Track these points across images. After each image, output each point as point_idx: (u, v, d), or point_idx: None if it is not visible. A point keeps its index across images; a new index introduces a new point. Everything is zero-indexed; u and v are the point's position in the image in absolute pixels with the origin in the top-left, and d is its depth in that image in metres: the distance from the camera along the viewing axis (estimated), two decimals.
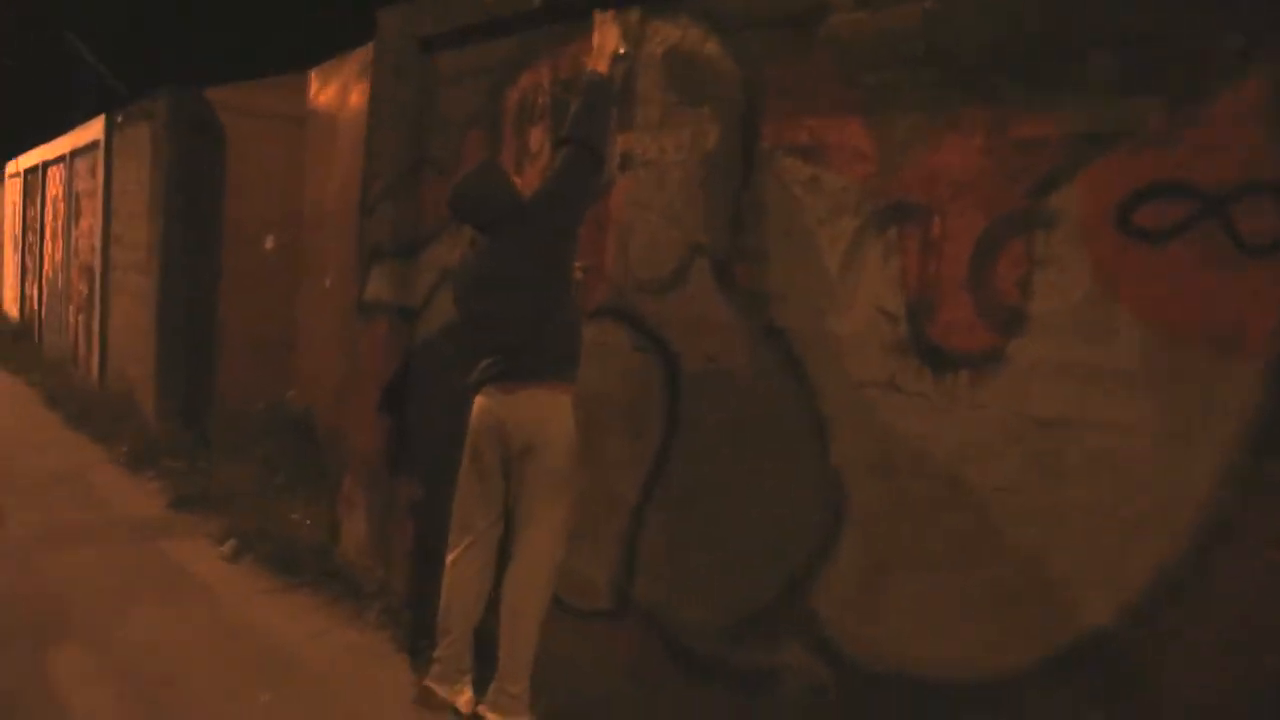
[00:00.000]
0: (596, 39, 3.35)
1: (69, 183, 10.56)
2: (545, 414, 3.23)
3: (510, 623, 3.28)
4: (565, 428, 3.25)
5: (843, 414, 2.80)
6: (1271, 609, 2.05)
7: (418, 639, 4.02)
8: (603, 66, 3.31)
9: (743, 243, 3.08)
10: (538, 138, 3.85)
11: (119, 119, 8.62)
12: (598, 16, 3.37)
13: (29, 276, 13.20)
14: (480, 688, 3.41)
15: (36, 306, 12.49)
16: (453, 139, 4.25)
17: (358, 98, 5.58)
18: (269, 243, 6.75)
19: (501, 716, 3.25)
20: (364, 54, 5.47)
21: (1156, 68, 2.24)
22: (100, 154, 9.09)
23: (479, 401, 3.35)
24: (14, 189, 14.37)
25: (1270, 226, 2.08)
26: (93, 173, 9.56)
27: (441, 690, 3.40)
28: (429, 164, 4.39)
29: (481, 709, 3.31)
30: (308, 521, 5.27)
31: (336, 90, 5.93)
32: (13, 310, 14.55)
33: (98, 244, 9.19)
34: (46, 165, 11.87)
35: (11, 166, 14.59)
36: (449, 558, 3.46)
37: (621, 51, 3.35)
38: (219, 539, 5.37)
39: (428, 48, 4.39)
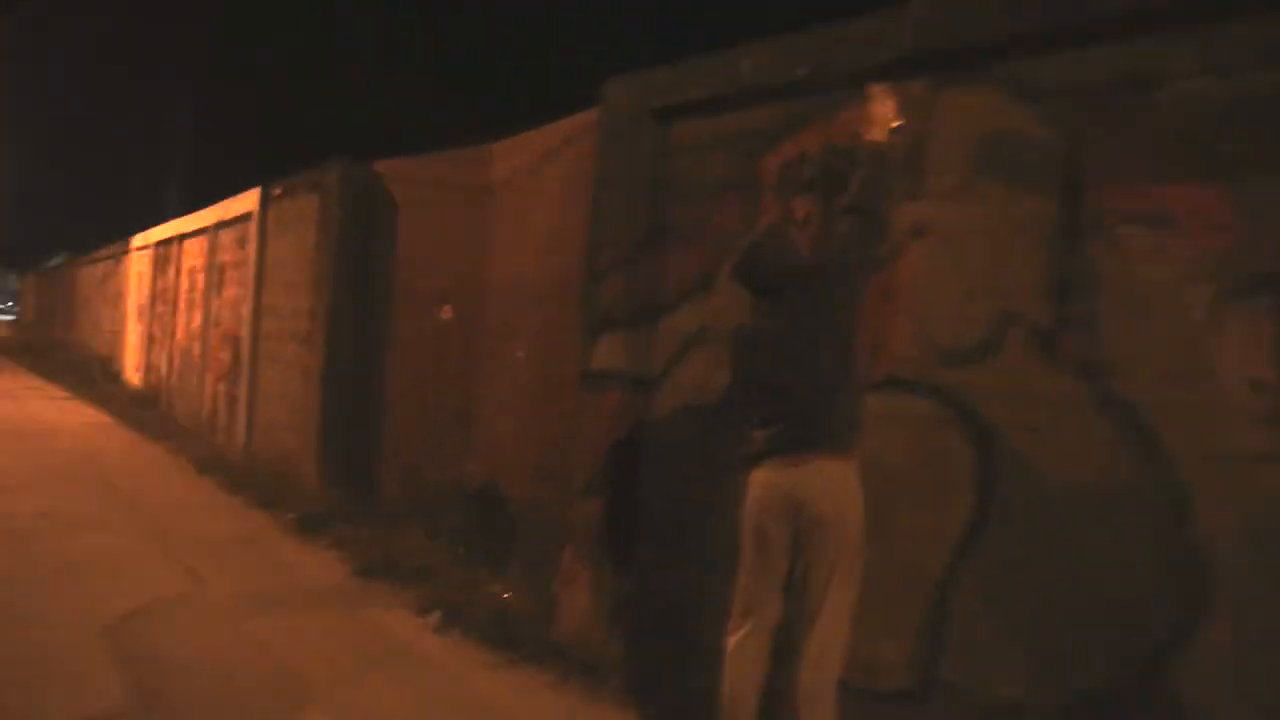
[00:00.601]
0: (874, 110, 3.35)
1: (211, 254, 10.88)
2: (840, 486, 3.17)
3: (810, 708, 3.17)
4: (859, 499, 3.19)
5: (1206, 485, 2.71)
6: None
7: None
8: (880, 136, 3.30)
9: (1069, 312, 3.02)
10: (803, 205, 3.85)
11: (276, 191, 8.89)
12: (872, 90, 3.37)
13: (156, 345, 13.56)
14: None
15: (165, 375, 12.80)
16: (699, 206, 4.29)
17: (556, 169, 5.68)
18: (446, 312, 6.84)
19: None
20: (566, 126, 5.58)
21: None
22: (253, 226, 9.36)
23: (762, 476, 3.27)
24: (142, 261, 14.86)
25: None
26: (241, 244, 9.85)
27: None
28: (668, 231, 4.42)
29: None
30: (505, 594, 5.22)
31: (529, 161, 6.05)
32: (135, 378, 14.92)
33: (246, 314, 9.42)
34: (183, 238, 12.26)
35: (139, 240, 15.11)
36: (731, 641, 3.35)
37: (897, 124, 3.34)
38: (417, 609, 5.35)
39: (662, 117, 4.46)
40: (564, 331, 5.14)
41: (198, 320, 11.35)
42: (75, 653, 4.50)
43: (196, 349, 11.30)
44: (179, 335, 12.25)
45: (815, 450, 3.17)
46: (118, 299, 16.76)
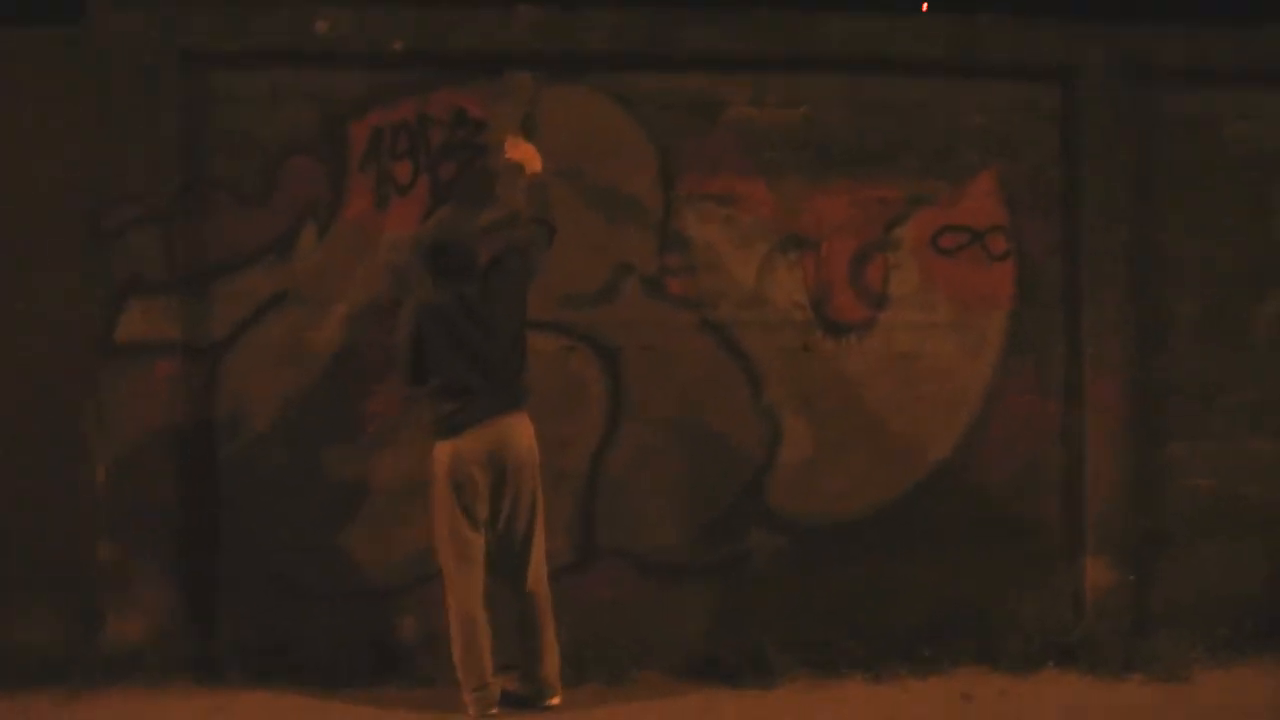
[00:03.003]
0: (517, 155, 4.00)
1: None
2: (527, 435, 3.75)
3: (543, 617, 3.77)
4: (536, 443, 3.80)
5: (771, 371, 4.30)
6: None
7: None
8: (538, 167, 3.96)
9: (669, 263, 4.27)
10: (405, 172, 4.23)
11: None
12: (510, 141, 4.04)
13: None
14: None
15: None
16: (260, 163, 4.19)
17: None
18: None
19: (559, 692, 3.79)
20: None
21: (942, 163, 4.33)
22: None
23: (463, 439, 3.65)
24: None
25: (1002, 247, 4.35)
26: None
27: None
28: (216, 186, 4.19)
29: (552, 701, 3.78)
30: None
31: None
32: None
33: None
34: None
35: None
36: (459, 596, 3.69)
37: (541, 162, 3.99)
38: None
39: (194, 61, 4.17)
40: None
41: None
42: None
43: None
44: None
45: (507, 412, 3.72)
46: None
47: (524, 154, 4.02)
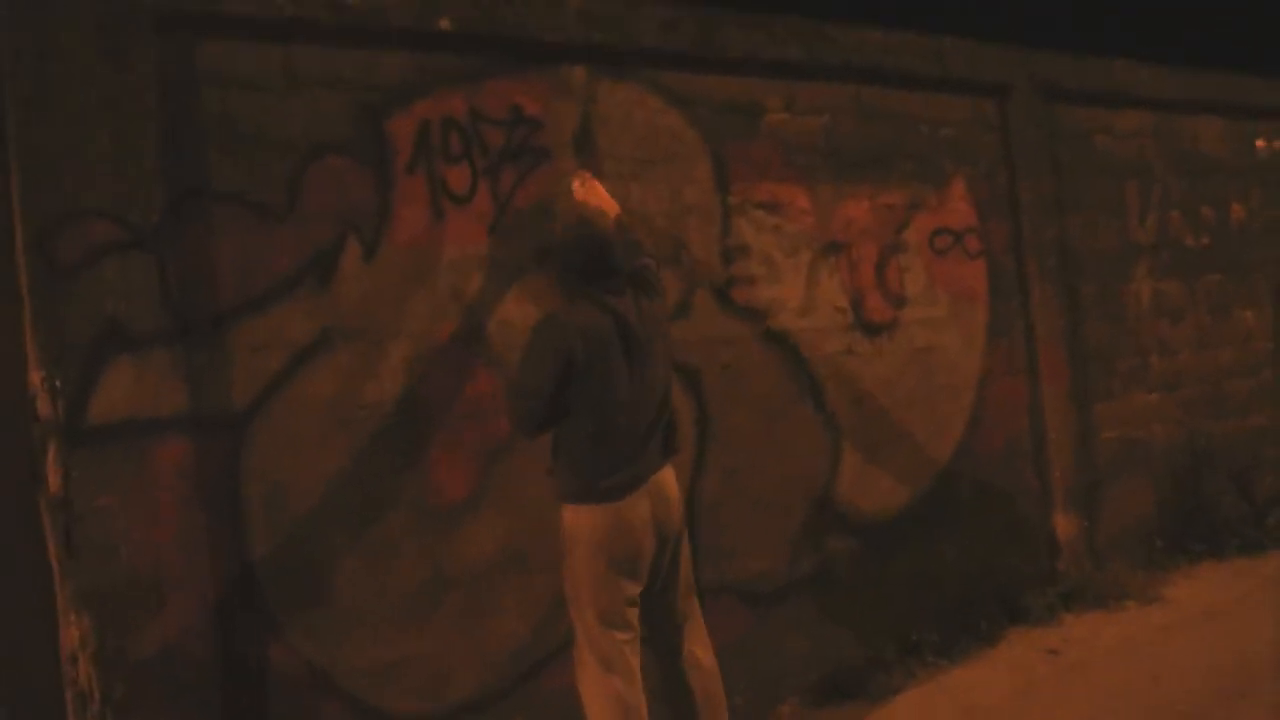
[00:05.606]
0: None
1: None
2: (676, 486, 3.11)
3: (718, 693, 3.19)
4: None
5: (828, 376, 4.25)
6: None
7: None
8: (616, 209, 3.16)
9: (733, 273, 4.03)
10: (462, 179, 3.46)
11: None
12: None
13: None
14: None
15: None
16: (275, 166, 3.15)
17: None
18: None
19: None
20: None
21: (928, 170, 4.62)
22: None
23: (624, 504, 2.93)
24: None
25: (977, 246, 4.77)
26: None
27: None
28: (216, 198, 3.07)
29: None
30: None
31: None
32: None
33: None
34: None
35: None
36: (619, 688, 2.93)
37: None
38: None
39: (172, 27, 3.02)
40: None
41: None
42: None
43: None
44: None
45: (664, 465, 3.08)
46: None
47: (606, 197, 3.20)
